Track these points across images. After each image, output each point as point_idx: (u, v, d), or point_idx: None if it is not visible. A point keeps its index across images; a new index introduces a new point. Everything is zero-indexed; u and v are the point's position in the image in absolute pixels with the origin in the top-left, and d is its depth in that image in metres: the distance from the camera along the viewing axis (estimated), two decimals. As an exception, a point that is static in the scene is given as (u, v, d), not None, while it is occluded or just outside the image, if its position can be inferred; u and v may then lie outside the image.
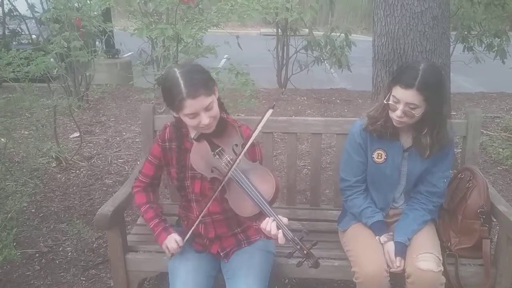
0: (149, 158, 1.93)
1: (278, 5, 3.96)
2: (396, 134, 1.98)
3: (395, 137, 1.99)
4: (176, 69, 1.68)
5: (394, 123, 1.92)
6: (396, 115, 1.87)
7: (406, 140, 2.00)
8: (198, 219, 1.75)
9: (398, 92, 1.84)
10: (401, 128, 1.97)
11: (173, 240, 1.83)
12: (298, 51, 6.83)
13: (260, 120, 1.61)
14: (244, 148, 1.64)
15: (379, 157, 2.01)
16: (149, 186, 1.98)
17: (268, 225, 1.58)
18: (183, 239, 1.83)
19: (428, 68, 1.84)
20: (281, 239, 1.56)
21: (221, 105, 1.80)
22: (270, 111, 1.60)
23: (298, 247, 1.55)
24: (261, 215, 1.61)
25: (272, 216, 1.57)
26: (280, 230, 1.56)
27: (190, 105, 1.63)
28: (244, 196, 1.63)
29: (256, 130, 1.62)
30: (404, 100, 1.83)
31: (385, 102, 1.91)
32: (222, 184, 1.67)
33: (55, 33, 4.82)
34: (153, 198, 1.98)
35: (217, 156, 1.72)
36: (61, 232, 3.01)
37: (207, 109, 1.66)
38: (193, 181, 1.83)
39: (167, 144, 1.87)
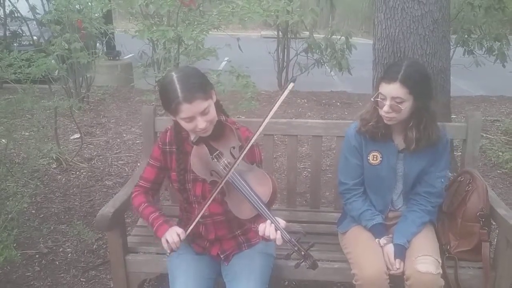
0: (150, 162, 1.92)
1: (279, 8, 3.96)
2: (389, 135, 2.00)
3: (389, 138, 2.00)
4: (173, 73, 1.68)
5: (384, 121, 1.94)
6: (384, 111, 1.89)
7: (401, 141, 2.01)
8: (198, 217, 1.73)
9: (384, 87, 1.89)
10: (393, 128, 1.98)
11: (174, 233, 1.74)
12: (299, 53, 6.84)
13: (277, 100, 1.58)
14: (243, 150, 1.63)
15: (375, 159, 2.03)
16: (150, 190, 1.95)
17: (266, 227, 1.59)
18: (185, 231, 1.76)
19: (411, 64, 1.91)
20: (278, 241, 1.57)
21: (220, 108, 1.81)
22: (292, 84, 1.56)
23: (296, 248, 1.56)
24: (259, 217, 1.62)
25: (269, 218, 1.58)
26: (277, 232, 1.57)
27: (186, 109, 1.64)
28: (242, 199, 1.64)
29: (272, 110, 1.59)
30: (389, 95, 1.86)
31: (372, 100, 1.94)
32: (218, 188, 1.66)
33: (56, 35, 4.83)
34: (152, 200, 1.96)
35: (215, 160, 1.73)
36: (61, 233, 3.01)
37: (204, 113, 1.66)
38: (194, 184, 1.83)
39: (167, 147, 1.87)
